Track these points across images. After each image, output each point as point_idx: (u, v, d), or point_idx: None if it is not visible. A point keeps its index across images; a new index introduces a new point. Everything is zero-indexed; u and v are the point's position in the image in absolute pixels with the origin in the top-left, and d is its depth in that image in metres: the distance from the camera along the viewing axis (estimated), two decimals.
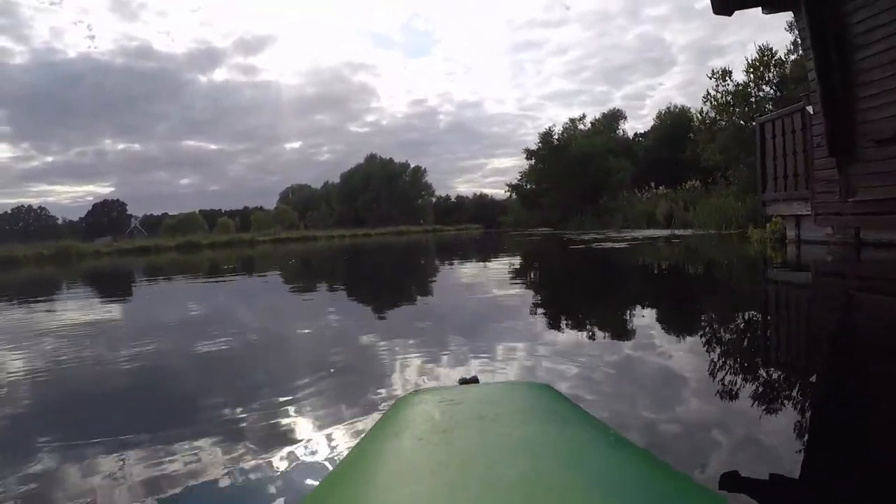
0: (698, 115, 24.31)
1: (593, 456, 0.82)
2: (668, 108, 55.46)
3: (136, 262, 24.94)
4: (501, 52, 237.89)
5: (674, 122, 52.91)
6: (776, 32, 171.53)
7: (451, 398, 1.13)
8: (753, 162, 21.38)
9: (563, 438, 0.89)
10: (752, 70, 23.64)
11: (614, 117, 56.55)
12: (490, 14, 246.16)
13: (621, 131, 55.23)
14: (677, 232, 21.99)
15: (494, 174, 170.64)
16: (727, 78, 23.92)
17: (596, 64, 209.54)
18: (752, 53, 24.44)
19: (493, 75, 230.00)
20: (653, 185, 36.90)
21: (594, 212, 39.89)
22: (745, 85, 23.69)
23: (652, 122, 53.67)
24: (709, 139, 25.62)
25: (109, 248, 43.18)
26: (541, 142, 50.45)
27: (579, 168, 45.22)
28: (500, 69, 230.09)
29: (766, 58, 23.58)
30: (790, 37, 23.73)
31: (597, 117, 55.44)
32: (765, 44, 23.70)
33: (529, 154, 51.43)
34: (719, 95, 24.06)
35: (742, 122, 22.86)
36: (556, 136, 50.06)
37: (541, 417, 1.00)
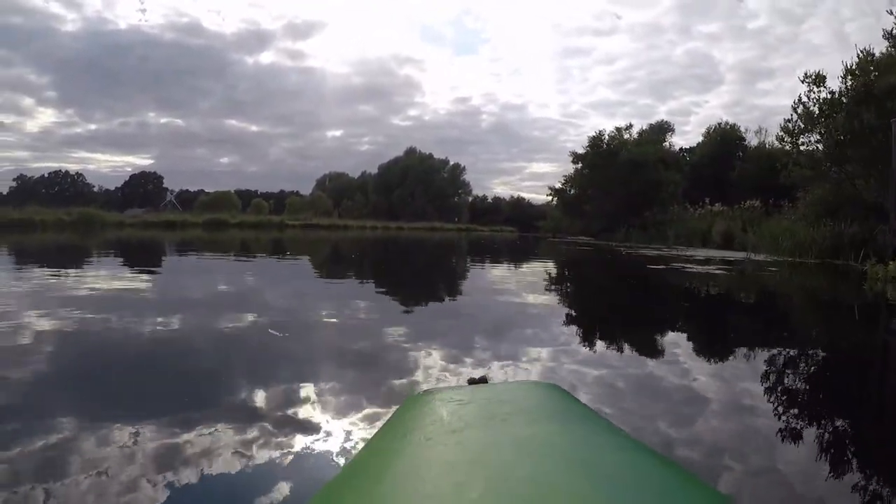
0: (786, 124, 21.20)
1: (602, 456, 0.81)
2: (720, 123, 53.39)
3: (159, 237, 24.64)
4: (549, 56, 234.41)
5: (723, 139, 51.01)
6: (828, 57, 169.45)
7: (459, 398, 1.12)
8: (840, 179, 20.45)
9: (571, 438, 0.88)
10: (851, 76, 20.00)
11: (662, 129, 52.52)
12: (540, 17, 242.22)
13: (668, 144, 51.23)
14: (752, 257, 19.27)
15: (532, 178, 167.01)
16: (821, 84, 20.71)
17: (642, 76, 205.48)
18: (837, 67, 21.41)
19: (539, 79, 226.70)
20: (707, 200, 34.00)
21: (641, 224, 36.88)
22: (840, 94, 20.22)
23: (696, 139, 50.97)
24: (794, 150, 22.53)
25: (135, 219, 41.81)
26: (590, 146, 47.11)
27: (628, 177, 41.91)
28: (547, 73, 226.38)
29: (867, 62, 19.65)
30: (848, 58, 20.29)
31: (643, 128, 51.61)
32: (868, 47, 20.09)
33: (576, 158, 48.14)
34: (811, 103, 20.88)
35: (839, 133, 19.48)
36: (605, 141, 46.77)
37: (550, 417, 1.00)
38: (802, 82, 20.76)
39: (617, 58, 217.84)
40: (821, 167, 20.40)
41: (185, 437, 2.31)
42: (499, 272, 12.29)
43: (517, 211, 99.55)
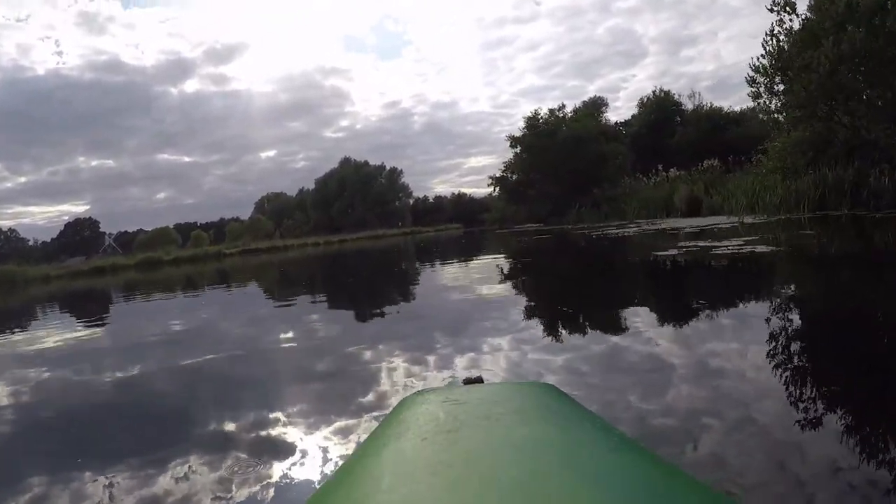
0: (756, 62, 18.41)
1: (598, 456, 0.80)
2: (654, 91, 52.05)
3: (87, 286, 23.55)
4: (473, 50, 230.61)
5: (659, 107, 49.46)
6: (747, 18, 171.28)
7: (455, 398, 1.10)
8: (828, 116, 18.00)
9: (567, 439, 0.87)
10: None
11: (595, 105, 48.85)
12: (460, 13, 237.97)
13: (603, 120, 47.32)
14: (746, 220, 16.28)
15: (471, 173, 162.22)
16: (793, 11, 17.68)
17: (567, 59, 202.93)
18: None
19: (466, 74, 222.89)
20: (660, 167, 31.33)
21: (592, 202, 33.80)
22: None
23: (628, 114, 48.43)
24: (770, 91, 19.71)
25: (61, 269, 38.63)
26: (526, 127, 43.19)
27: (571, 154, 38.51)
28: (472, 68, 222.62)
29: None
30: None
31: (577, 106, 47.70)
32: None
33: (514, 141, 44.09)
34: (782, 35, 17.98)
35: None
36: (541, 121, 42.98)
37: (545, 418, 0.99)
38: (771, 11, 18.07)
39: (540, 43, 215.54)
40: (810, 104, 17.50)
41: (195, 467, 2.36)
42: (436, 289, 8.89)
43: (460, 207, 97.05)
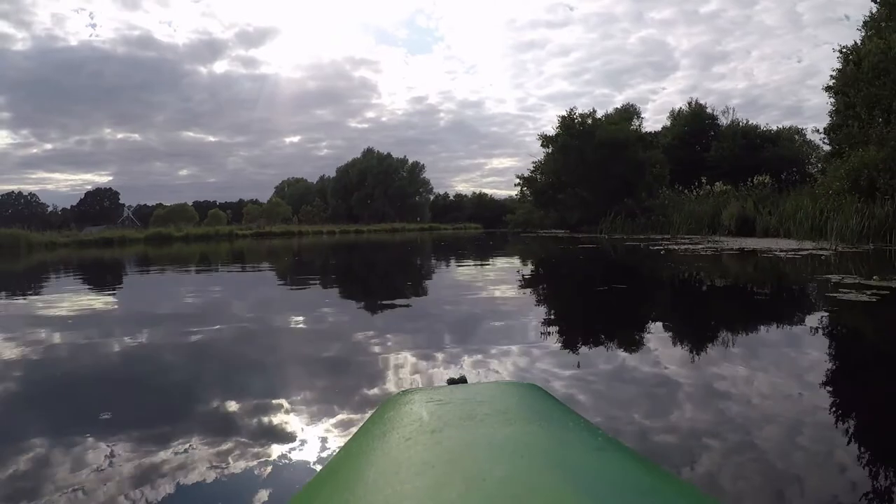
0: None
1: (580, 456, 0.79)
2: (690, 103, 49.60)
3: (87, 256, 21.76)
4: (503, 51, 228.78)
5: (695, 119, 47.20)
6: (781, 38, 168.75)
7: (439, 398, 1.08)
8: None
9: (550, 438, 0.86)
10: None
11: (628, 113, 44.90)
12: (493, 13, 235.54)
13: (634, 129, 41.89)
14: (830, 248, 13.74)
15: (493, 174, 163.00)
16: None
17: (598, 66, 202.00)
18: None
19: (495, 75, 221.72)
20: (703, 180, 28.88)
21: (627, 212, 30.60)
22: None
23: (654, 127, 45.21)
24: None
25: (67, 237, 36.67)
26: (560, 127, 38.77)
27: (608, 160, 34.86)
28: (502, 69, 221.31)
29: None
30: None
31: (609, 112, 43.53)
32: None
33: (546, 141, 39.55)
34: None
35: None
36: (577, 121, 38.48)
37: (528, 417, 0.96)
38: None
39: (571, 49, 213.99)
40: None
41: (195, 442, 2.37)
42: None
43: (480, 207, 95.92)
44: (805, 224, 17.95)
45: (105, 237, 38.39)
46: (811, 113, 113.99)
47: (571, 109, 38.33)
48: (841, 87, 23.33)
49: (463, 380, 1.38)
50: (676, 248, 15.38)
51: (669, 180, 34.20)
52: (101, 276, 13.06)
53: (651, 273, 10.36)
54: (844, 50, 23.55)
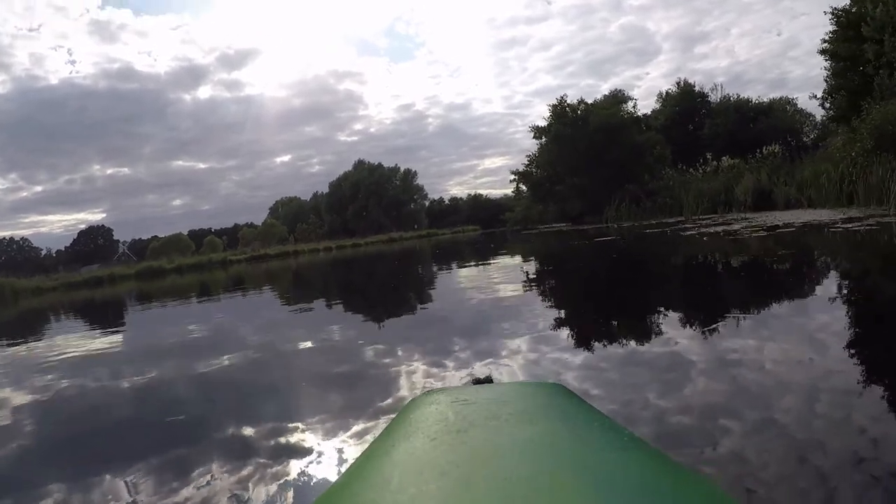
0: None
1: (606, 456, 0.79)
2: (678, 82, 48.15)
3: (74, 298, 21.60)
4: (485, 51, 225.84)
5: (685, 97, 45.90)
6: (760, 13, 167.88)
7: (464, 398, 1.08)
8: None
9: (575, 438, 0.86)
10: None
11: (617, 98, 40.89)
12: (471, 13, 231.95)
13: (625, 114, 39.33)
14: (874, 213, 11.66)
15: (486, 174, 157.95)
16: None
17: (580, 58, 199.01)
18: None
19: (479, 75, 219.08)
20: (708, 156, 27.19)
21: (632, 198, 28.54)
22: None
23: (646, 111, 43.28)
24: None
25: (55, 281, 35.39)
26: (552, 116, 36.55)
27: (604, 145, 32.72)
28: (485, 69, 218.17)
29: None
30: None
31: (598, 99, 40.58)
32: None
33: (538, 132, 37.36)
34: None
35: None
36: (569, 108, 36.33)
37: (554, 417, 0.97)
38: None
39: (553, 43, 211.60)
40: None
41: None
42: None
43: (476, 208, 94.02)
44: (831, 191, 16.34)
45: (95, 276, 37.59)
46: (795, 84, 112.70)
47: (562, 97, 36.26)
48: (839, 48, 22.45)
49: (488, 380, 1.40)
50: (710, 230, 13.32)
51: (671, 160, 32.42)
52: (89, 321, 12.04)
53: (737, 272, 6.73)
54: (836, 11, 22.82)
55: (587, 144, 32.95)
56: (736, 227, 13.02)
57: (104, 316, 12.74)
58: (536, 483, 0.66)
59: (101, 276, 37.74)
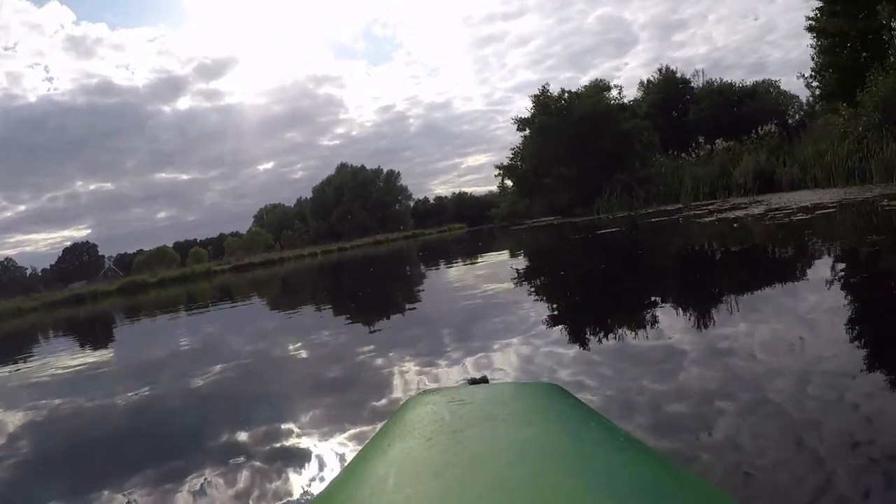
0: None
1: (602, 457, 0.78)
2: (661, 69, 47.34)
3: (55, 318, 21.45)
4: (464, 49, 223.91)
5: (667, 84, 45.12)
6: (735, 1, 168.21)
7: (460, 398, 1.07)
8: None
9: (572, 439, 0.85)
10: None
11: (599, 88, 37.72)
12: (448, 12, 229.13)
13: (611, 101, 36.96)
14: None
15: (470, 172, 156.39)
16: None
17: (559, 51, 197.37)
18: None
19: (458, 74, 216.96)
20: (701, 139, 25.95)
21: (623, 187, 27.09)
22: None
23: (629, 100, 41.58)
24: None
25: (36, 301, 34.22)
26: (535, 107, 34.87)
27: (591, 134, 30.99)
28: (464, 67, 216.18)
29: None
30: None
31: (579, 89, 37.48)
32: None
33: (522, 124, 35.61)
34: None
35: None
36: (552, 98, 34.68)
37: (550, 418, 0.97)
38: None
39: (530, 38, 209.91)
40: None
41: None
42: None
43: (462, 207, 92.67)
44: (840, 169, 15.30)
45: (76, 294, 36.53)
46: (774, 68, 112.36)
47: (544, 87, 34.82)
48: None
49: (484, 380, 1.37)
50: (727, 215, 11.84)
51: (697, 137, 30.25)
52: (66, 341, 11.62)
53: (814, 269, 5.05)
54: None
55: (572, 134, 31.52)
56: (756, 210, 11.66)
57: (84, 335, 12.56)
58: (533, 484, 0.65)
59: (83, 293, 36.83)
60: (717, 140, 24.29)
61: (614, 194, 26.85)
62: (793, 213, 9.73)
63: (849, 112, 16.95)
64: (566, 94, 33.98)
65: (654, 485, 0.70)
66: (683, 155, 26.30)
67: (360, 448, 2.23)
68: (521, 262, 11.02)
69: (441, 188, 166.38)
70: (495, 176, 40.36)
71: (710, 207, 15.98)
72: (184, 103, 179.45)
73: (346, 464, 1.81)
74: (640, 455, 0.78)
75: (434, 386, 3.11)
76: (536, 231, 22.43)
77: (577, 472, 0.69)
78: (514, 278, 8.03)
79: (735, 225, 9.81)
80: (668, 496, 0.66)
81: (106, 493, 2.37)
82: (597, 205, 27.11)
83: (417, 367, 3.65)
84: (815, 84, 25.49)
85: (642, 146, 31.36)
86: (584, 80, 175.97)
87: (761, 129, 22.82)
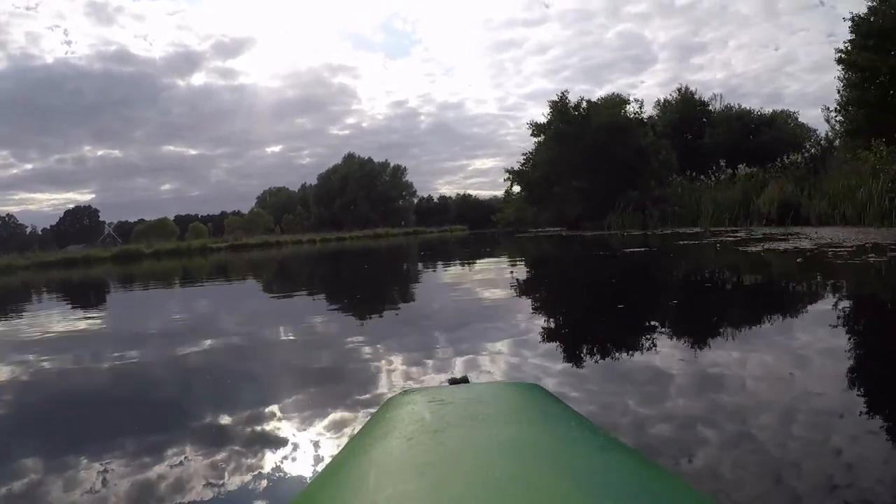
0: None
1: (582, 456, 0.78)
2: (680, 89, 46.34)
3: (44, 277, 21.70)
4: (481, 51, 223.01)
5: (686, 105, 44.26)
6: (758, 27, 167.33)
7: (440, 398, 1.06)
8: None
9: (552, 438, 0.84)
10: None
11: (618, 101, 35.74)
12: (469, 13, 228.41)
13: (631, 114, 34.97)
14: None
15: (476, 175, 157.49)
16: None
17: (576, 63, 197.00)
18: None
19: (473, 75, 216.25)
20: (723, 163, 24.74)
21: (636, 204, 25.96)
22: None
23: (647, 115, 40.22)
24: None
25: (28, 260, 33.71)
26: (552, 113, 33.14)
27: (608, 147, 29.55)
28: (480, 69, 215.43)
29: None
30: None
31: (599, 100, 36.02)
32: None
33: (537, 129, 33.87)
34: None
35: None
36: (572, 105, 32.96)
37: (530, 417, 0.96)
38: None
39: (549, 47, 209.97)
40: None
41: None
42: None
43: (465, 208, 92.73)
44: (877, 208, 14.37)
45: (69, 257, 35.57)
46: (791, 100, 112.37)
47: (563, 93, 33.30)
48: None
49: (465, 380, 1.35)
50: (774, 246, 10.25)
51: (718, 160, 27.87)
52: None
53: None
54: (857, 17, 21.65)
55: (590, 144, 30.24)
56: (804, 244, 10.22)
57: (69, 297, 12.53)
58: (514, 483, 0.64)
59: (77, 257, 36.15)
60: (740, 165, 23.26)
61: (627, 211, 25.80)
62: (854, 251, 8.46)
63: (887, 150, 16.09)
64: (585, 103, 32.70)
65: (636, 483, 0.69)
66: (702, 177, 25.27)
67: (337, 438, 2.18)
68: (546, 280, 9.50)
69: (446, 188, 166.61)
70: (504, 180, 38.48)
71: (738, 235, 14.84)
72: (198, 79, 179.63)
73: (324, 459, 2.00)
74: (621, 454, 0.78)
75: (418, 382, 3.10)
76: (545, 241, 21.35)
77: (560, 471, 0.68)
78: (549, 310, 6.20)
79: (799, 260, 8.14)
80: (650, 494, 0.65)
81: (83, 459, 2.33)
82: (608, 220, 25.97)
83: (404, 363, 3.56)
84: (838, 118, 24.85)
85: (659, 164, 30.25)
86: (600, 93, 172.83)
87: (787, 158, 21.78)
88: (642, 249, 12.97)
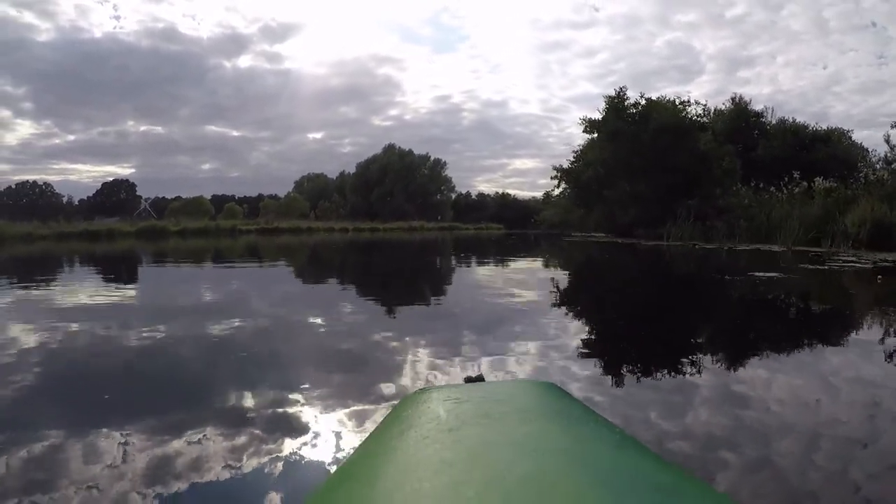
0: None
1: (599, 455, 0.77)
2: (733, 98, 43.25)
3: (64, 249, 20.40)
4: (528, 51, 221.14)
5: (739, 115, 41.64)
6: (807, 43, 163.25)
7: (456, 396, 1.05)
8: None
9: (568, 437, 0.84)
10: None
11: (674, 104, 31.53)
12: (517, 12, 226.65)
13: (692, 117, 31.40)
14: None
15: (515, 175, 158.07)
16: None
17: (623, 68, 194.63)
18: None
19: (519, 75, 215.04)
20: (796, 175, 22.15)
21: (696, 214, 23.31)
22: None
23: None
24: None
25: (48, 230, 31.98)
26: (608, 108, 29.44)
27: (668, 149, 26.59)
28: (526, 69, 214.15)
29: None
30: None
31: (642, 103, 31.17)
32: None
33: (590, 125, 30.00)
34: None
35: None
36: (631, 103, 29.41)
37: (547, 416, 0.94)
38: None
39: (597, 51, 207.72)
40: None
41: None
42: None
43: (503, 208, 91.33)
44: None
45: (92, 229, 33.92)
46: (836, 120, 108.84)
47: (621, 89, 29.95)
48: None
49: (480, 378, 1.33)
50: None
51: (790, 171, 24.65)
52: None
53: None
54: None
55: (648, 145, 27.31)
56: None
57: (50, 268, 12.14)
58: (530, 481, 0.64)
59: (101, 229, 34.47)
60: (816, 178, 20.68)
61: (688, 220, 23.29)
62: None
63: None
64: (644, 100, 29.46)
65: (653, 482, 0.68)
66: (772, 189, 22.65)
67: (357, 430, 2.28)
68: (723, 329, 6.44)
69: (484, 185, 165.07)
70: (551, 178, 34.29)
71: (841, 258, 12.40)
72: (244, 61, 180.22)
73: (343, 450, 2.12)
74: (637, 453, 0.77)
75: (443, 377, 3.09)
76: (613, 250, 18.90)
77: (575, 469, 0.68)
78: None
79: None
80: (666, 494, 0.65)
81: (104, 429, 2.30)
82: (667, 230, 23.33)
83: (430, 358, 3.51)
84: None
85: (722, 172, 27.27)
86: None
87: (872, 174, 19.19)
88: (772, 275, 9.27)
